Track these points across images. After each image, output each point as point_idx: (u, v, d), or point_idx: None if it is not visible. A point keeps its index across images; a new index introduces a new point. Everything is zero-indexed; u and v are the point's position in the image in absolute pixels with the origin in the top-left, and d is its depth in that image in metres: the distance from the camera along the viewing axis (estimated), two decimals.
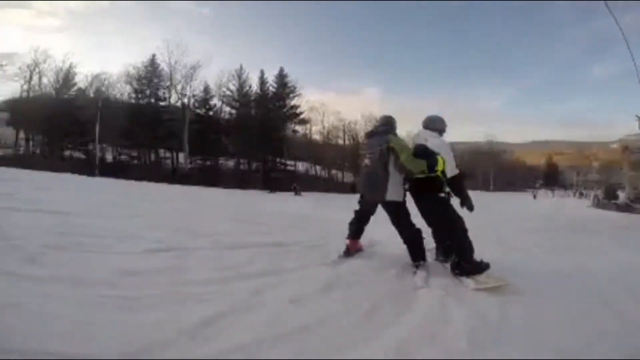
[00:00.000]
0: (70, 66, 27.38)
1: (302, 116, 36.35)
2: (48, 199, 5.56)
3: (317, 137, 39.19)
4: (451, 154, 2.84)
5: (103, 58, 61.61)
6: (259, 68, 35.84)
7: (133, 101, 29.32)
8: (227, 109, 33.03)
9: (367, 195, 3.11)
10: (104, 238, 3.18)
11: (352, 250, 3.28)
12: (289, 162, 34.60)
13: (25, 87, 26.87)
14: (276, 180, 28.48)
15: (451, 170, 2.80)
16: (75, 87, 27.89)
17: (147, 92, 29.59)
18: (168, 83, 29.89)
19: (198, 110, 31.18)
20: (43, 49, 27.20)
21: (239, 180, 27.32)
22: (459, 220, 2.74)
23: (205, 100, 31.56)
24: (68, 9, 47.75)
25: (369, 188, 3.04)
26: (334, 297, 2.26)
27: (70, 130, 25.92)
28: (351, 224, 3.28)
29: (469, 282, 2.55)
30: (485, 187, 46.61)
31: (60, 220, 3.76)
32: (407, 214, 2.91)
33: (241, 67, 33.41)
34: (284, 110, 35.03)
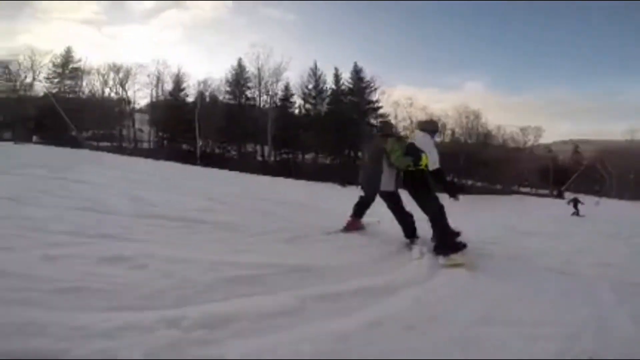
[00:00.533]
0: (178, 74, 33.21)
1: (381, 111, 36.26)
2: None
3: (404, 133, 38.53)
4: (434, 151, 3.47)
5: (209, 65, 70.22)
6: (348, 66, 37.01)
7: (232, 102, 33.76)
8: (307, 105, 35.33)
9: (365, 187, 3.88)
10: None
11: (351, 227, 3.89)
12: None
13: (153, 92, 33.57)
14: (353, 174, 29.35)
15: (432, 165, 3.41)
16: (184, 92, 33.58)
17: (237, 92, 33.84)
18: (255, 84, 33.82)
19: (281, 107, 34.33)
20: (163, 60, 33.35)
21: (317, 173, 29.17)
22: (436, 205, 3.37)
23: (286, 98, 34.55)
24: (183, 23, 56.22)
25: (366, 182, 3.84)
26: (350, 253, 3.23)
27: (180, 128, 31.43)
28: (355, 205, 3.99)
29: (441, 258, 3.19)
30: (622, 194, 34.43)
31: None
32: (399, 201, 3.65)
33: (316, 65, 35.37)
34: (360, 105, 35.67)
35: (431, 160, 3.39)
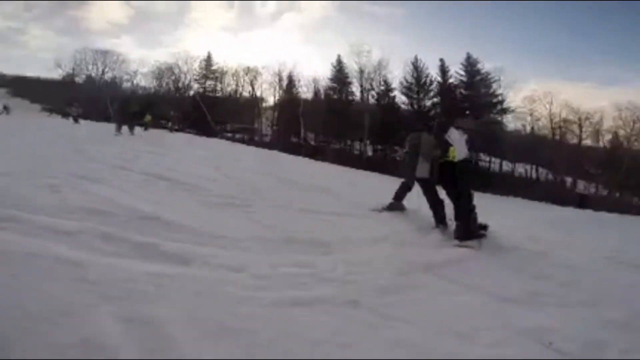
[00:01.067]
0: (290, 74, 36.83)
1: (506, 106, 32.61)
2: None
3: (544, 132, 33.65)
4: (463, 145, 3.79)
5: (320, 62, 74.96)
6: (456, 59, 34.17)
7: (334, 97, 35.62)
8: (406, 100, 34.29)
9: (405, 174, 4.65)
10: None
11: (393, 208, 4.68)
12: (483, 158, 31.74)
13: (276, 90, 38.33)
14: None
15: (459, 155, 3.74)
16: (296, 89, 37.19)
17: (339, 88, 35.39)
18: (356, 79, 34.68)
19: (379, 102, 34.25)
20: (283, 60, 37.79)
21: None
22: (465, 193, 3.72)
23: (385, 93, 34.15)
24: (299, 24, 61.62)
25: (405, 169, 4.65)
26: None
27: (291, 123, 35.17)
28: (398, 189, 4.74)
29: (455, 241, 3.51)
30: None
31: None
32: (432, 188, 4.08)
33: (416, 58, 33.72)
34: (476, 99, 32.62)
35: (457, 152, 3.76)
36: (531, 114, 33.72)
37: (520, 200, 20.97)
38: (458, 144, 3.75)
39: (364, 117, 32.38)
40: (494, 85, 32.38)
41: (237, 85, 39.71)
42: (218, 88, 39.71)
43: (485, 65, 32.77)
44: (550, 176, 31.71)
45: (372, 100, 34.77)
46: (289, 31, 64.37)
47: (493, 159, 32.59)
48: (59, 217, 2.67)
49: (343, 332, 1.69)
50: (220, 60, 39.25)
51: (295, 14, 62.72)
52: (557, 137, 32.57)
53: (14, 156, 5.49)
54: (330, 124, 32.55)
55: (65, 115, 28.15)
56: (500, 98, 32.40)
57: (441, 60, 33.47)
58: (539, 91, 33.08)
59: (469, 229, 3.53)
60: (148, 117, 21.74)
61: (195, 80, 38.93)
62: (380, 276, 2.48)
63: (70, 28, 56.98)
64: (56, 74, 39.08)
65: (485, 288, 2.49)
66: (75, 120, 21.58)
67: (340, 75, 35.48)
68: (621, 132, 31.94)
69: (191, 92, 38.86)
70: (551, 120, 33.02)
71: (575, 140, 32.56)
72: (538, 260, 3.26)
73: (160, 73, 39.39)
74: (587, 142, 33.15)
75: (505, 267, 3.04)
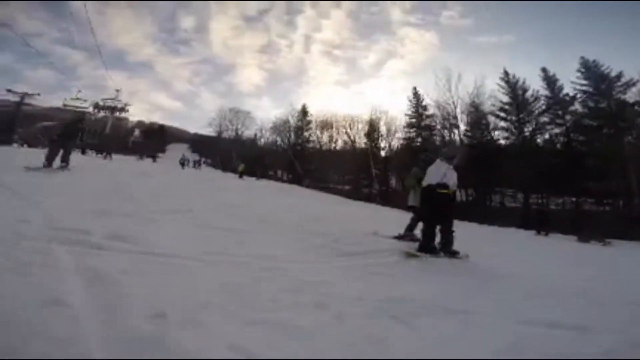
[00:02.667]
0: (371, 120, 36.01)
1: None
2: None
3: None
4: (437, 174, 4.16)
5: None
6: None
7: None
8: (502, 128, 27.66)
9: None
10: None
11: (404, 237, 5.21)
12: None
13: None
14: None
15: (425, 182, 4.32)
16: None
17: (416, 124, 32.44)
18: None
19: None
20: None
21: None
22: (425, 216, 4.41)
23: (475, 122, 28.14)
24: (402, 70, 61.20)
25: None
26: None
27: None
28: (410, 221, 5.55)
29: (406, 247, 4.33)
30: None
31: None
32: (422, 216, 4.66)
33: (506, 73, 27.40)
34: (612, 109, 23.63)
35: (425, 181, 4.34)
36: None
37: None
38: (430, 174, 4.24)
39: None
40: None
41: (334, 134, 40.92)
42: (313, 138, 42.52)
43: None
44: None
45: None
46: (393, 79, 64.26)
47: None
48: None
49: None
50: (329, 113, 41.31)
51: (396, 61, 62.62)
52: None
53: None
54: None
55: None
56: None
57: (543, 69, 26.70)
58: None
59: (424, 244, 4.10)
60: (242, 166, 27.98)
61: (294, 131, 43.58)
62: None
63: (227, 91, 73.24)
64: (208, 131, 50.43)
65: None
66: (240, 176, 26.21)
67: (418, 109, 32.54)
68: None
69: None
70: None
71: None
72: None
73: (277, 128, 46.48)
74: None
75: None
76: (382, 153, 34.97)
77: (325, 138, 41.93)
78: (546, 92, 26.27)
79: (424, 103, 32.14)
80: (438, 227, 4.13)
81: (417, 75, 58.17)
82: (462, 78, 31.13)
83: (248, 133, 48.24)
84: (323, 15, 77.11)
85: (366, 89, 64.72)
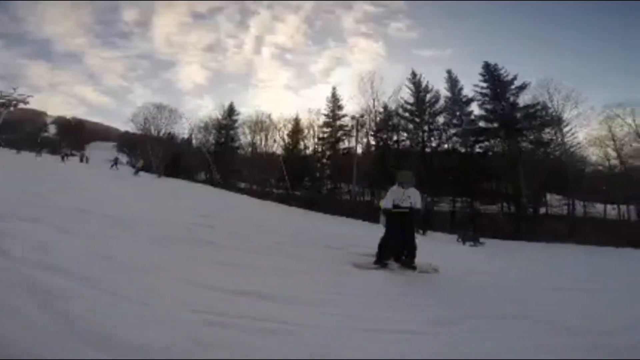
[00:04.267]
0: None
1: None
2: None
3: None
4: (389, 198, 4.95)
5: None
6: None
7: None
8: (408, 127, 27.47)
9: None
10: None
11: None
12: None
13: None
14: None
15: (384, 206, 5.04)
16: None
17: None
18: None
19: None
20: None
21: None
22: (384, 234, 4.94)
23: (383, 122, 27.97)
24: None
25: None
26: None
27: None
28: None
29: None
30: None
31: None
32: (384, 234, 4.90)
33: (414, 74, 27.30)
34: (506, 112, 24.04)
35: (386, 203, 4.97)
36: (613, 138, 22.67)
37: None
38: (386, 198, 5.02)
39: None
40: (537, 96, 23.79)
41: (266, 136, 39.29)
42: (241, 139, 40.34)
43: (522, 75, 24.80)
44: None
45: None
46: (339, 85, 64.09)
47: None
48: None
49: None
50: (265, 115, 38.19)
51: (345, 69, 62.33)
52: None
53: None
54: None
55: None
56: (536, 108, 23.06)
57: (448, 71, 26.93)
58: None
59: (378, 258, 4.75)
60: (141, 162, 27.68)
61: (217, 130, 41.04)
62: None
63: (164, 88, 65.79)
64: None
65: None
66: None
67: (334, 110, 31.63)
68: None
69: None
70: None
71: None
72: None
73: (207, 127, 43.52)
74: None
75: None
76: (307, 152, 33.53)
77: (257, 140, 40.24)
78: (448, 94, 26.51)
79: (340, 103, 31.33)
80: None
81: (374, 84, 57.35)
82: (384, 82, 30.68)
83: (180, 132, 44.86)
84: (278, 19, 74.94)
85: (313, 94, 63.89)
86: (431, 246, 10.33)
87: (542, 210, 23.84)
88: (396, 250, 4.80)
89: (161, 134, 44.19)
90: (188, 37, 67.35)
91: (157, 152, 39.50)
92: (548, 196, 24.08)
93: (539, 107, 23.36)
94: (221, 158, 37.39)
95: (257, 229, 7.06)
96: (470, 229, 13.95)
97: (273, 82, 65.85)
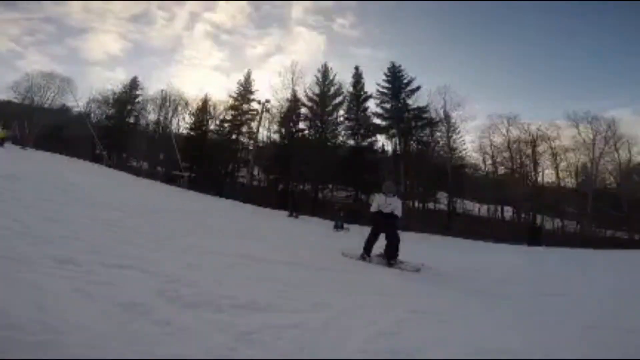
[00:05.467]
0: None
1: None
2: None
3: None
4: (374, 204, 6.01)
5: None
6: None
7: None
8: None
9: None
10: None
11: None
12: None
13: None
14: None
15: (371, 209, 6.11)
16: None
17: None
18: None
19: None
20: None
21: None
22: (370, 236, 5.90)
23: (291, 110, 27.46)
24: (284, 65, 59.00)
25: None
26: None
27: None
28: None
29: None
30: None
31: None
32: (370, 232, 5.95)
33: (326, 67, 27.61)
34: (400, 111, 25.27)
35: (372, 208, 6.05)
36: (491, 144, 25.29)
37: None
38: (372, 204, 6.08)
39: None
40: (429, 100, 25.71)
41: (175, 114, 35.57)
42: (145, 116, 36.30)
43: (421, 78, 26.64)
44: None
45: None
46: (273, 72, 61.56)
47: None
48: None
49: None
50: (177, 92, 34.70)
51: (283, 57, 59.90)
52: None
53: None
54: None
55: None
56: (424, 110, 24.84)
57: (356, 67, 27.63)
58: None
59: (363, 252, 5.81)
60: (3, 132, 22.30)
61: (114, 105, 36.28)
62: None
63: (68, 57, 55.38)
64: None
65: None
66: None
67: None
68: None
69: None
70: (509, 147, 24.42)
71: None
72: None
73: (107, 101, 37.83)
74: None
75: None
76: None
77: (162, 118, 36.17)
78: (351, 89, 27.27)
79: (252, 88, 29.82)
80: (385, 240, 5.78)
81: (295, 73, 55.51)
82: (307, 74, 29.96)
83: (74, 105, 38.21)
84: None
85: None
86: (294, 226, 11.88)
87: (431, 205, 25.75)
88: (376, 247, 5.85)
89: (48, 105, 37.87)
90: (111, 5, 57.29)
91: (36, 124, 33.59)
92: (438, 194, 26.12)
93: (427, 110, 25.12)
94: (115, 135, 32.84)
95: None
96: (340, 215, 13.99)
97: (202, 61, 59.93)
